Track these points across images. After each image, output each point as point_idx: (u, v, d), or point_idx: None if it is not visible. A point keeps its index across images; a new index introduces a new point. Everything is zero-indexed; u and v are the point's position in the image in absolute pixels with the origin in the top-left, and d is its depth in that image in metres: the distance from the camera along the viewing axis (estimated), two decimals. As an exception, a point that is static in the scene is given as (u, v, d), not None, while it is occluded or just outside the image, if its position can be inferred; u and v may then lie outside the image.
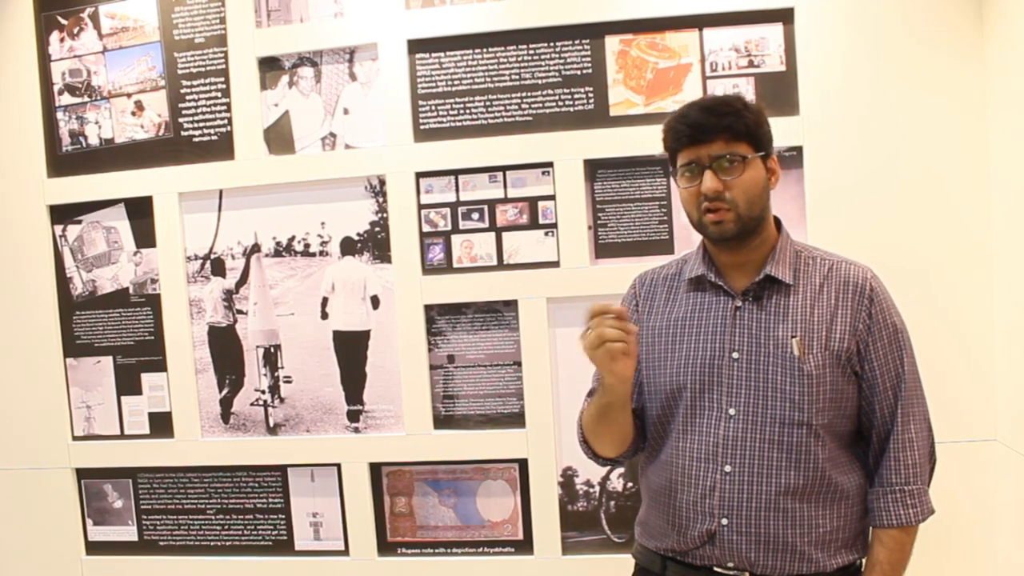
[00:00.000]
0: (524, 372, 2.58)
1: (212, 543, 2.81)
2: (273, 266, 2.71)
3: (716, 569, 1.58)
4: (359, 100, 2.63)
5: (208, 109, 2.70)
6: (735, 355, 1.58)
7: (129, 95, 2.75)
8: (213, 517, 2.80)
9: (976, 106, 2.34)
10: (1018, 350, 2.24)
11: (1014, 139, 2.19)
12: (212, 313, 2.75)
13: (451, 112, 2.58)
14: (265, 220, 2.71)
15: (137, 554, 2.86)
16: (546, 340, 2.55)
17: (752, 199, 1.57)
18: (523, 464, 2.60)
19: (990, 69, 2.31)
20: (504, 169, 2.57)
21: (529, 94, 2.55)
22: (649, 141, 2.43)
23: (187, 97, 2.71)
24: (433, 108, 2.59)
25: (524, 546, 2.63)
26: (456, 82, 2.58)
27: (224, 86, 2.68)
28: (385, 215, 2.63)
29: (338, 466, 2.69)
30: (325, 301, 2.69)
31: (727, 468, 1.56)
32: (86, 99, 2.78)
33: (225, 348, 2.75)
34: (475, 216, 2.59)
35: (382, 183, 2.62)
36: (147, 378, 2.80)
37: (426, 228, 2.61)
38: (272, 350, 2.73)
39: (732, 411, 1.57)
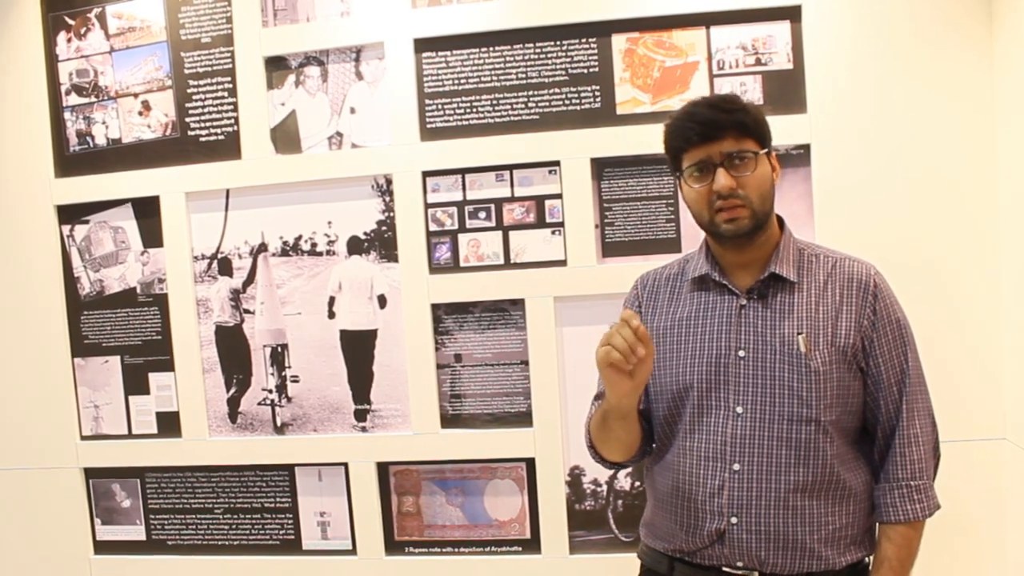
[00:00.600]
0: (531, 371, 2.57)
1: (220, 542, 2.82)
2: (280, 265, 2.71)
3: (725, 569, 1.58)
4: (366, 99, 2.63)
5: (215, 109, 2.70)
6: (741, 353, 1.58)
7: (136, 95, 2.75)
8: (221, 516, 2.81)
9: (984, 104, 2.33)
10: (1027, 348, 2.24)
11: (1022, 137, 2.18)
12: (219, 313, 2.75)
13: (458, 111, 2.58)
14: (272, 219, 2.71)
15: (145, 553, 2.86)
16: (553, 339, 2.55)
17: (764, 194, 1.57)
18: (530, 463, 2.60)
19: (999, 67, 2.30)
20: (511, 168, 2.57)
21: (536, 93, 2.55)
22: (656, 140, 2.36)
23: (194, 97, 2.71)
24: (440, 107, 2.59)
25: (531, 545, 2.63)
26: (463, 81, 2.57)
27: (231, 86, 2.68)
28: (392, 214, 2.63)
29: (345, 465, 2.70)
30: (332, 300, 2.69)
31: (736, 467, 1.56)
32: (93, 99, 2.78)
33: (232, 348, 2.75)
34: (482, 215, 2.59)
35: (389, 182, 2.62)
36: (154, 378, 2.81)
37: (433, 227, 2.61)
38: (279, 349, 2.73)
39: (739, 409, 1.57)
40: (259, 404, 2.75)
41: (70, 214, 2.82)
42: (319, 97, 2.66)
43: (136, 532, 2.87)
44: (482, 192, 2.59)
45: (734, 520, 1.56)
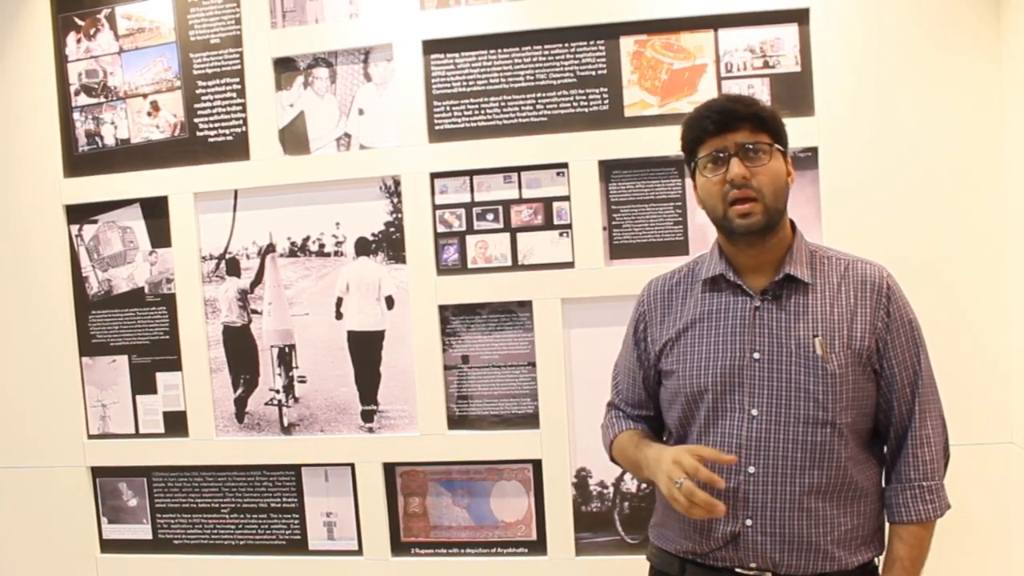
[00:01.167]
0: (538, 373, 2.58)
1: (226, 542, 2.82)
2: (288, 266, 2.72)
3: (737, 570, 1.58)
4: (374, 100, 2.64)
5: (223, 109, 2.71)
6: (756, 355, 1.58)
7: (145, 95, 2.76)
8: (227, 516, 2.81)
9: (992, 106, 2.34)
10: (1035, 352, 2.24)
11: (1031, 140, 2.19)
12: (227, 313, 2.76)
13: (466, 113, 2.59)
14: (280, 220, 2.71)
15: (151, 552, 2.87)
16: (560, 341, 2.55)
17: (777, 189, 1.57)
18: (537, 465, 2.60)
19: (1006, 70, 2.30)
20: (519, 170, 2.57)
21: (544, 95, 2.55)
22: (664, 142, 2.43)
23: (203, 97, 2.72)
24: (448, 109, 2.60)
25: (538, 547, 2.63)
26: (471, 83, 2.58)
27: (239, 86, 2.69)
28: (400, 215, 2.63)
29: (352, 466, 2.70)
30: (340, 301, 2.69)
31: (751, 469, 1.56)
32: (102, 99, 2.79)
33: (240, 348, 2.76)
34: (490, 217, 2.59)
35: (397, 183, 2.63)
36: (162, 377, 2.82)
37: (441, 228, 2.62)
38: (287, 350, 2.74)
39: (755, 412, 1.57)
40: (266, 404, 2.76)
41: (79, 214, 2.83)
42: (327, 98, 2.67)
43: (143, 531, 2.88)
44: (490, 194, 2.59)
45: (749, 522, 1.56)
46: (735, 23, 2.46)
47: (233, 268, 2.75)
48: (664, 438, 1.78)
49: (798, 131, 2.36)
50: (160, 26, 2.73)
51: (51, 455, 2.88)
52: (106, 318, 2.84)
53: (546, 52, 2.55)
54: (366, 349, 2.69)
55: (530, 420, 2.61)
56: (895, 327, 1.58)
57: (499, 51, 2.57)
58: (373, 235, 2.66)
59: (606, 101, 2.53)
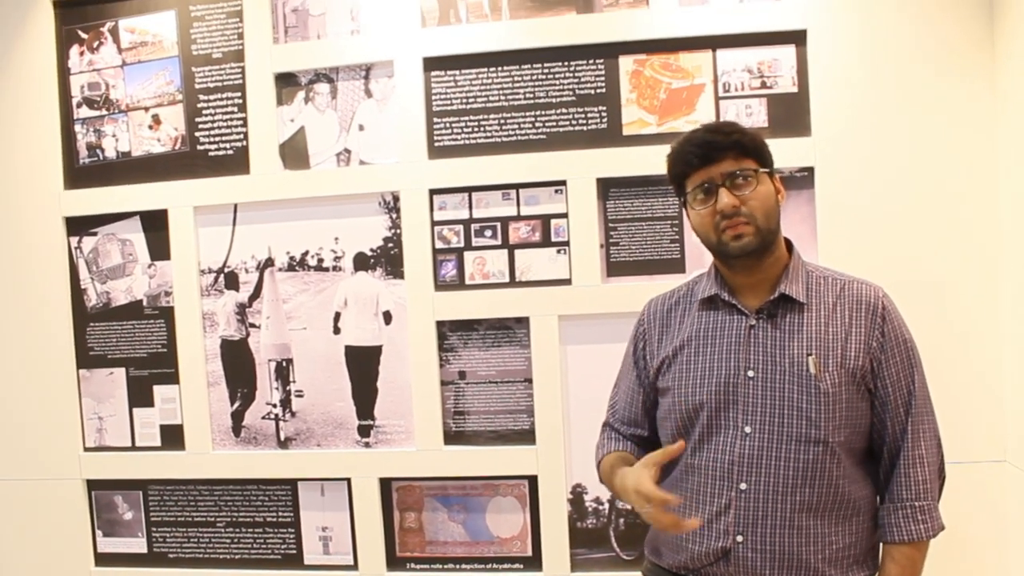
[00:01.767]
0: (535, 389, 2.58)
1: (221, 556, 2.81)
2: (286, 280, 2.73)
3: (729, 586, 1.59)
4: (374, 117, 2.66)
5: (224, 124, 2.72)
6: (751, 373, 1.59)
7: (146, 109, 2.78)
8: (223, 530, 2.81)
9: (986, 129, 2.36)
10: (1029, 372, 2.25)
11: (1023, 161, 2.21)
12: (225, 326, 2.77)
13: (465, 130, 2.60)
14: (279, 234, 2.72)
15: (146, 566, 2.86)
16: (557, 357, 2.56)
17: (768, 211, 1.59)
18: (533, 481, 2.61)
19: (1000, 92, 2.32)
20: (517, 187, 2.59)
21: (543, 113, 2.57)
22: (662, 160, 2.40)
23: (204, 111, 2.74)
24: (448, 125, 2.61)
25: (533, 563, 2.63)
26: (471, 100, 2.60)
27: (241, 101, 2.71)
28: (398, 231, 2.65)
29: (348, 481, 2.70)
30: (338, 316, 2.70)
31: (742, 486, 1.57)
32: (104, 112, 2.80)
33: (237, 361, 2.76)
34: (488, 233, 2.61)
35: (396, 199, 2.64)
36: (159, 390, 2.82)
37: (439, 244, 2.63)
38: (284, 364, 2.74)
39: (748, 429, 1.58)
40: (263, 418, 2.76)
41: (78, 226, 2.83)
42: (328, 114, 2.68)
43: (138, 545, 2.87)
44: (488, 210, 2.60)
45: (740, 539, 1.57)
46: (733, 44, 2.48)
47: (232, 282, 2.76)
48: None
49: (795, 151, 2.41)
50: (163, 40, 2.75)
51: (47, 467, 2.87)
52: (104, 330, 2.84)
53: (545, 70, 2.57)
54: (363, 364, 2.69)
55: (526, 436, 2.61)
56: (890, 347, 1.59)
57: (499, 69, 2.59)
58: (372, 250, 2.67)
59: (605, 119, 2.55)
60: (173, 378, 2.80)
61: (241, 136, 2.71)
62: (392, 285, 2.66)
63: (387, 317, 2.67)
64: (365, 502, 2.69)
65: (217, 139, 2.73)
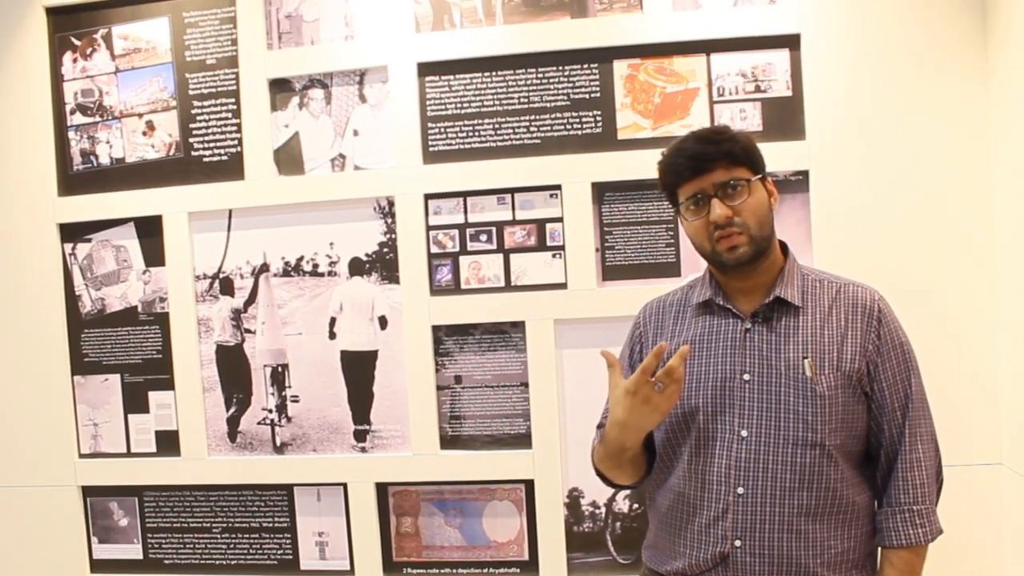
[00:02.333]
0: (531, 393, 2.58)
1: (217, 561, 2.81)
2: (281, 286, 2.73)
3: (727, 591, 1.59)
4: (369, 122, 2.66)
5: (218, 129, 2.72)
6: (746, 377, 1.60)
7: (140, 115, 2.77)
8: (219, 536, 2.80)
9: (980, 131, 2.37)
10: None
11: (1018, 163, 2.21)
12: (220, 332, 2.76)
13: (460, 134, 2.60)
14: (274, 240, 2.72)
15: (142, 572, 2.86)
16: (553, 361, 2.56)
17: (761, 220, 1.59)
18: (529, 485, 2.61)
19: (994, 94, 2.33)
20: (512, 191, 2.59)
21: (538, 117, 2.57)
22: (656, 165, 2.44)
23: (198, 117, 2.73)
24: (442, 130, 2.61)
25: (530, 567, 2.63)
26: (465, 105, 2.60)
27: (235, 107, 2.71)
28: (393, 236, 2.64)
29: (344, 486, 2.70)
30: (333, 321, 2.70)
31: (740, 490, 1.57)
32: (97, 119, 2.80)
33: (233, 367, 2.76)
34: (483, 238, 2.61)
35: (391, 204, 2.64)
36: (154, 396, 2.81)
37: (434, 249, 2.63)
38: (279, 369, 2.74)
39: (744, 432, 1.58)
40: (259, 424, 2.76)
41: (72, 232, 2.83)
42: (322, 119, 2.68)
43: (133, 551, 2.86)
44: (483, 215, 2.61)
45: (738, 543, 1.57)
46: (727, 48, 2.48)
47: (227, 287, 2.75)
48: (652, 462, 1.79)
49: (789, 155, 2.41)
50: (156, 46, 2.75)
51: (42, 474, 2.86)
52: (99, 337, 2.84)
53: (540, 75, 2.57)
54: (359, 369, 2.69)
55: (522, 440, 2.61)
56: (886, 350, 1.60)
57: (493, 74, 2.59)
58: (367, 255, 2.67)
59: (599, 124, 2.55)
60: (168, 384, 2.79)
61: (235, 142, 2.71)
62: (387, 290, 2.66)
63: (383, 322, 2.67)
64: (361, 507, 2.68)
65: (211, 145, 2.73)
